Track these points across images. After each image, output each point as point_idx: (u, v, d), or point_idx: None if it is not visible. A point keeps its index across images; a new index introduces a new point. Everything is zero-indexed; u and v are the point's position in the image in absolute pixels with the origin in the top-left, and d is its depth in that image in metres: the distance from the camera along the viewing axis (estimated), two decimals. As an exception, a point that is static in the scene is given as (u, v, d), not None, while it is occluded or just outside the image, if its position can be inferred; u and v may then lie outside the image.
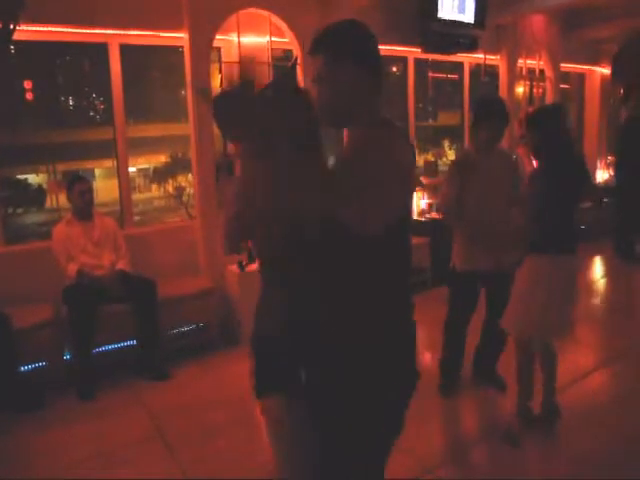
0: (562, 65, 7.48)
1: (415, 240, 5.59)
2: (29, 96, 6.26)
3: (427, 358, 4.08)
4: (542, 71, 7.33)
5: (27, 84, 5.94)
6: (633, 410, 3.06)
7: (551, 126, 2.75)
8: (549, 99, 7.40)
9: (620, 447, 2.73)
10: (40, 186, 8.39)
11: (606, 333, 4.35)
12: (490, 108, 3.06)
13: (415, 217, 6.03)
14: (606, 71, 8.25)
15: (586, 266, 6.54)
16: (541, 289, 2.70)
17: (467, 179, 3.04)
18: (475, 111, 3.17)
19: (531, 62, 7.19)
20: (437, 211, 3.34)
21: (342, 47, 1.39)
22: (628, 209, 6.50)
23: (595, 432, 2.84)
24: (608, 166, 8.61)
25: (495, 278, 3.13)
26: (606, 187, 8.29)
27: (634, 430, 2.86)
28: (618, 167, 6.86)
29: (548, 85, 7.39)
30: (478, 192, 3.02)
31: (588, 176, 2.93)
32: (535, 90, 7.32)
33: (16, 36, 3.19)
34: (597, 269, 6.61)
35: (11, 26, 3.10)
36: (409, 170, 1.40)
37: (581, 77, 8.58)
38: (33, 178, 8.50)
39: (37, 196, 8.29)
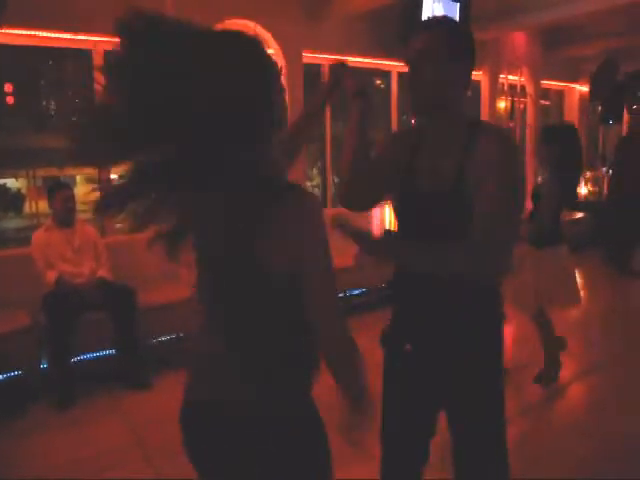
0: (542, 82, 7.64)
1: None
2: (10, 100, 6.18)
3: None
4: (523, 87, 7.48)
5: (8, 87, 5.86)
6: (610, 422, 3.09)
7: (572, 141, 3.18)
8: (530, 115, 7.55)
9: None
10: (19, 191, 8.25)
11: (586, 344, 4.39)
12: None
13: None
14: (584, 89, 8.44)
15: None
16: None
17: None
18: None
19: (512, 78, 7.33)
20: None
21: (461, 44, 1.44)
22: (626, 222, 6.47)
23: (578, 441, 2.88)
24: (587, 181, 8.79)
25: None
26: (586, 202, 8.46)
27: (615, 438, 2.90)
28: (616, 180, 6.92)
29: (529, 101, 7.53)
30: None
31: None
32: (517, 105, 7.45)
33: (-1, 39, 3.18)
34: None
35: (-7, 29, 3.07)
36: None
37: (560, 94, 8.77)
38: (12, 183, 8.36)
39: (15, 201, 8.15)
